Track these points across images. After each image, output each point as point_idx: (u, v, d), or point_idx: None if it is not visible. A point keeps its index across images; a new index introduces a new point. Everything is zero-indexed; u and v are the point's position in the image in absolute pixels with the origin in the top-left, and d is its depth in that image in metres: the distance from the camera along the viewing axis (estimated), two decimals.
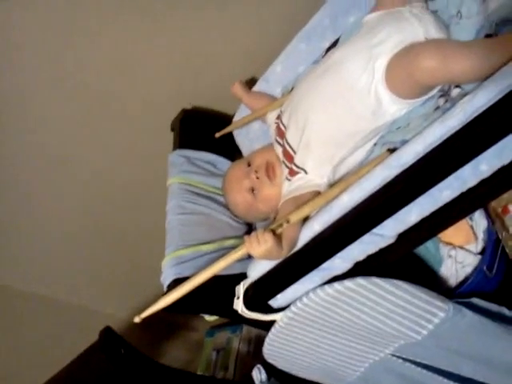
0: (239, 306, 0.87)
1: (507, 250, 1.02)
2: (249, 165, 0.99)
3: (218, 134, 1.18)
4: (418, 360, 0.95)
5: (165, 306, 0.81)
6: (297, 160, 0.92)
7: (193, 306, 0.97)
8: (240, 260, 0.86)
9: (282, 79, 1.10)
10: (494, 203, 1.05)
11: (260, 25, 1.17)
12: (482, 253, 1.02)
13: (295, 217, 0.80)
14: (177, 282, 0.89)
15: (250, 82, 1.21)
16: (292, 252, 0.83)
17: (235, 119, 1.19)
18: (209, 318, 1.04)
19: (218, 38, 1.19)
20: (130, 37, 1.15)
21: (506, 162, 0.66)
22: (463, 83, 0.76)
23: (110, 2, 1.08)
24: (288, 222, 0.79)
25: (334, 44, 1.02)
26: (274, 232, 0.78)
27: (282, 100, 1.04)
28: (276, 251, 0.78)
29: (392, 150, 0.78)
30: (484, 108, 0.63)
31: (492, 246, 1.01)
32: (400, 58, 0.78)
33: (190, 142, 1.18)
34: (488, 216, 1.04)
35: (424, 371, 0.95)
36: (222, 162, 1.19)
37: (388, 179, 0.71)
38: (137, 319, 0.79)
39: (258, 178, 0.96)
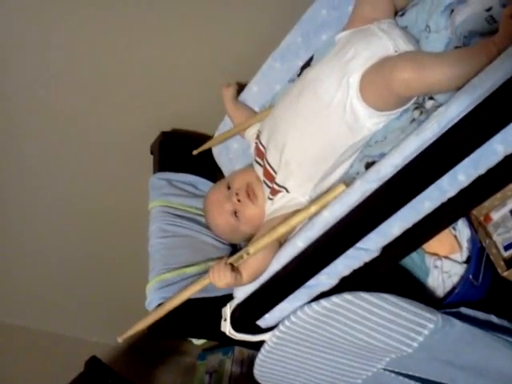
0: (227, 328, 0.86)
1: (491, 258, 1.03)
2: (228, 187, 0.98)
3: (195, 151, 1.18)
4: (411, 373, 0.94)
5: (144, 327, 0.88)
6: (278, 179, 0.91)
7: (180, 330, 0.96)
8: None
9: (259, 98, 1.11)
10: (475, 212, 1.07)
11: (236, 46, 1.18)
12: (467, 261, 1.02)
13: (254, 248, 0.82)
14: None
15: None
16: (277, 270, 0.83)
17: (218, 132, 1.19)
18: (197, 341, 1.02)
19: (196, 60, 1.20)
20: (107, 59, 1.15)
21: (481, 171, 0.67)
22: (438, 93, 0.77)
23: (82, 32, 1.08)
24: (248, 253, 0.82)
25: (309, 62, 1.04)
26: (232, 265, 0.83)
27: (260, 116, 1.05)
28: (236, 283, 0.83)
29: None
30: (457, 119, 0.63)
31: (476, 255, 1.01)
32: (375, 71, 0.79)
33: (170, 165, 1.18)
34: (471, 225, 1.05)
35: None
36: (203, 183, 1.18)
37: (368, 193, 0.71)
38: (119, 340, 0.87)
39: (239, 200, 0.95)
